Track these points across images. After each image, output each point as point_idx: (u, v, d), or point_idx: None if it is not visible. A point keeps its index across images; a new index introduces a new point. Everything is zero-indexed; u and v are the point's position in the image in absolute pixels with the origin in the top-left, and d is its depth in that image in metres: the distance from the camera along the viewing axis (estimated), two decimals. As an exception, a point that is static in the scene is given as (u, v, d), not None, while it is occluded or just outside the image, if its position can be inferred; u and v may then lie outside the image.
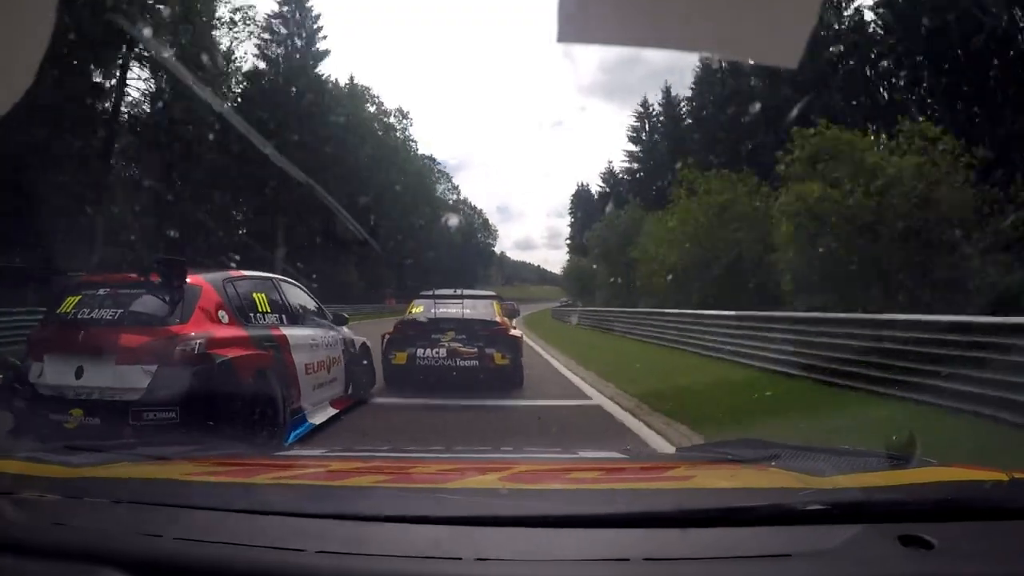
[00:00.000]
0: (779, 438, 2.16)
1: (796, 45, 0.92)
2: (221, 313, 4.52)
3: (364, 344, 7.28)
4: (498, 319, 8.22)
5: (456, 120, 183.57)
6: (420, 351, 7.62)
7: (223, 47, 30.51)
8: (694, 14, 0.90)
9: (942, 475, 1.40)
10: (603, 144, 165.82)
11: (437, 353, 7.59)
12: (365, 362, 7.24)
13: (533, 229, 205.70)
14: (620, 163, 52.20)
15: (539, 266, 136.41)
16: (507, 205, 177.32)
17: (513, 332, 8.39)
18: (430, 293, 9.06)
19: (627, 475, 1.84)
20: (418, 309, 8.47)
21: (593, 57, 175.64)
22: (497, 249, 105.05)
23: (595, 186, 61.31)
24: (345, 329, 6.89)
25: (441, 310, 8.16)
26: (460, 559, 0.98)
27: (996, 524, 1.09)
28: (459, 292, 8.87)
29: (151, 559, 0.99)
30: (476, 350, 7.61)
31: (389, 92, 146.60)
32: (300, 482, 1.63)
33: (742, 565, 0.99)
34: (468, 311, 8.10)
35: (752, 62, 1.00)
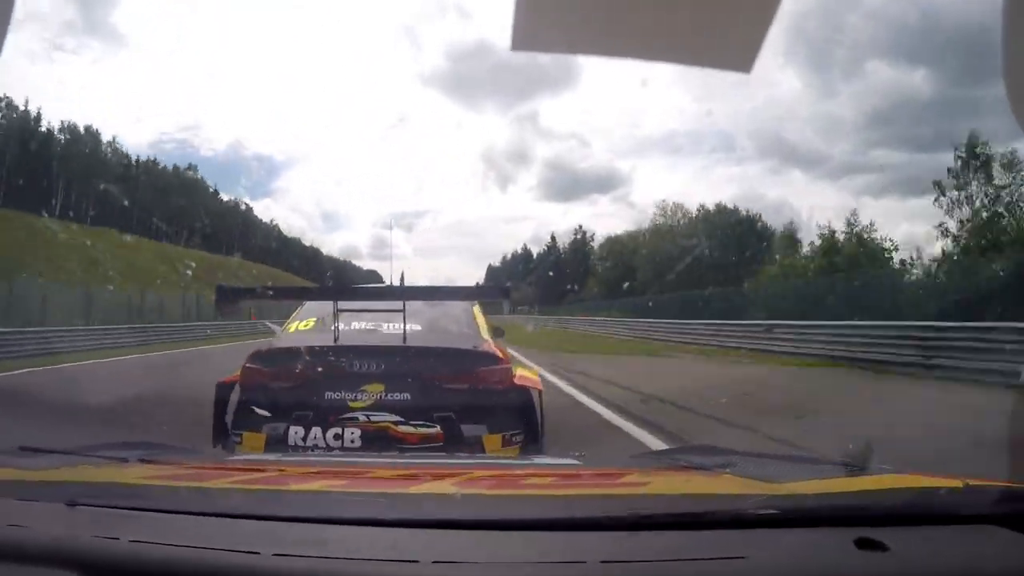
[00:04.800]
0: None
1: (750, 52, 0.93)
2: None
3: None
4: (488, 347, 3.81)
5: (277, 107, 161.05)
6: (298, 432, 3.27)
7: None
8: (648, 22, 0.91)
9: (898, 482, 1.43)
10: (440, 152, 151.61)
11: (340, 440, 3.27)
12: None
13: (359, 238, 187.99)
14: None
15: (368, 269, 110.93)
16: (333, 212, 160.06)
17: (522, 377, 3.82)
18: (331, 288, 4.01)
19: (582, 480, 1.84)
20: (306, 326, 4.03)
21: (438, 42, 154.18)
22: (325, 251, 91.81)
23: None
24: None
25: (356, 327, 3.77)
26: (417, 562, 0.98)
27: (951, 529, 1.11)
28: (392, 285, 4.09)
29: (107, 562, 0.99)
30: (438, 431, 3.32)
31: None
32: (256, 486, 1.61)
33: (697, 567, 1.00)
34: (418, 330, 3.70)
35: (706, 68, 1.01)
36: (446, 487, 1.60)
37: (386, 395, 3.37)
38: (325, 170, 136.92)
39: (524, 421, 3.55)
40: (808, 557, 1.00)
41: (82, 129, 56.99)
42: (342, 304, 3.67)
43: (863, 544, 1.00)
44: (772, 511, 1.13)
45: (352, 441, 3.26)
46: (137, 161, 61.02)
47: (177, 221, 57.23)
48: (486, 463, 2.28)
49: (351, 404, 3.35)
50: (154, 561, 0.98)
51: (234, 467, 1.91)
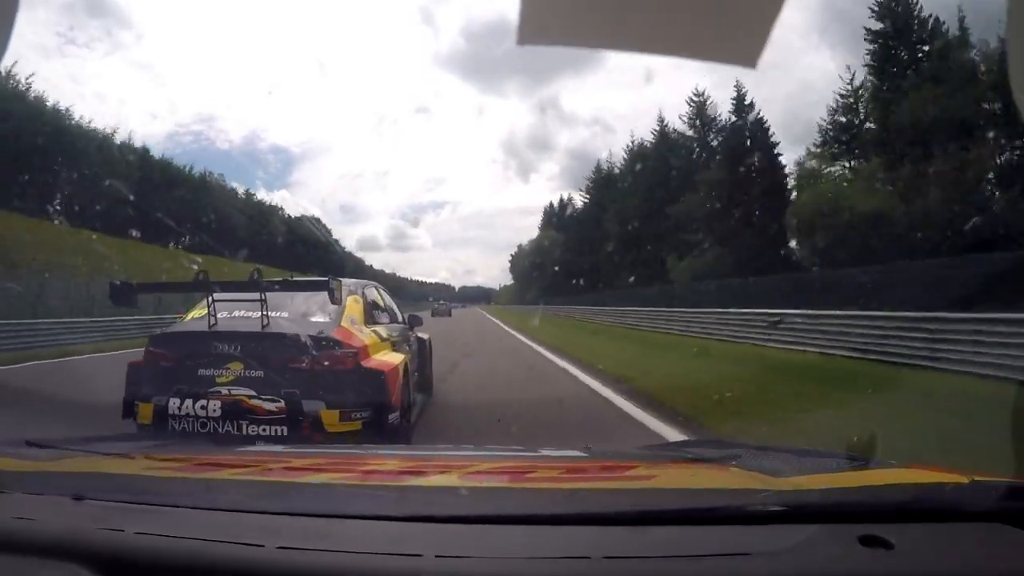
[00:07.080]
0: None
1: (756, 46, 0.92)
2: None
3: None
4: (338, 333, 4.37)
5: (293, 98, 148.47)
6: (176, 403, 3.98)
7: None
8: (655, 16, 0.90)
9: (903, 476, 1.43)
10: (457, 139, 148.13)
11: (205, 410, 3.96)
12: None
13: (377, 229, 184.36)
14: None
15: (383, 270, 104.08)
16: (352, 204, 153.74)
17: (375, 360, 4.47)
18: (205, 282, 4.39)
19: (588, 474, 1.84)
20: (200, 313, 4.53)
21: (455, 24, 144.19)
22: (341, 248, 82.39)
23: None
24: None
25: (225, 316, 4.35)
26: (420, 556, 0.98)
27: (956, 526, 1.11)
28: (258, 279, 4.26)
29: (112, 554, 0.99)
30: (282, 405, 3.98)
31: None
32: (261, 478, 1.63)
33: (702, 563, 1.00)
34: (282, 317, 4.41)
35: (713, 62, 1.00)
36: (451, 480, 1.61)
37: (244, 372, 4.10)
38: (342, 161, 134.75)
39: (372, 401, 4.13)
40: (813, 554, 1.00)
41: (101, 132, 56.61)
42: (222, 299, 4.41)
43: (868, 541, 0.99)
44: (777, 507, 1.13)
45: (214, 411, 4.01)
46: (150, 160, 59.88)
47: (185, 222, 56.66)
48: (491, 455, 2.28)
49: (217, 380, 4.10)
50: (159, 553, 0.99)
51: (239, 460, 1.92)
